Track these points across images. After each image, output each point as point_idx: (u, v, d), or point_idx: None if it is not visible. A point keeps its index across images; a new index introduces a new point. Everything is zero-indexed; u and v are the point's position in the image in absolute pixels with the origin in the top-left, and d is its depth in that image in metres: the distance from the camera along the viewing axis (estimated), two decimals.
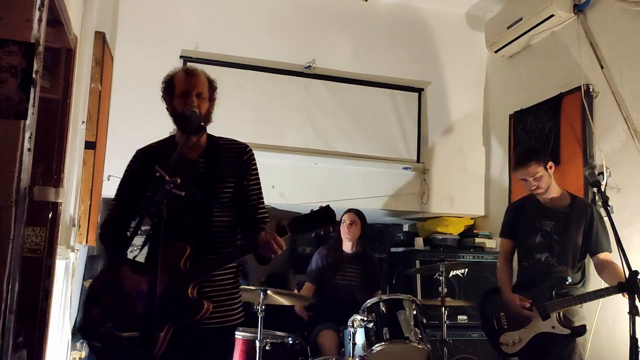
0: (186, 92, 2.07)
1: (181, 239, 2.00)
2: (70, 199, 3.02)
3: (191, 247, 1.99)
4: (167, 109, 2.15)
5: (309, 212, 1.96)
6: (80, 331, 2.15)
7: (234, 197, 2.14)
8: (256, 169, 2.22)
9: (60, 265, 2.78)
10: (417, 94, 4.77)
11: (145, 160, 2.12)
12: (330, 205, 1.93)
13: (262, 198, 2.22)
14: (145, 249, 2.01)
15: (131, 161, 2.20)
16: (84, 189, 3.31)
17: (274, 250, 1.90)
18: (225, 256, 2.04)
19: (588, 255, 2.98)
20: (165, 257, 1.80)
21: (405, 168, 4.64)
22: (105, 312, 1.96)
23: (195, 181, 2.08)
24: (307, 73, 4.49)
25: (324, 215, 1.92)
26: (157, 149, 2.18)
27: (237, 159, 2.17)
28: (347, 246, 3.84)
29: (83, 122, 3.26)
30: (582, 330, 2.85)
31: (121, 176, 2.20)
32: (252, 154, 2.21)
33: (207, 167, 2.12)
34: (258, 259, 2.08)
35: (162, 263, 1.70)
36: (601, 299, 3.03)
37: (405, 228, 5.38)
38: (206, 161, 2.13)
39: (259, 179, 2.22)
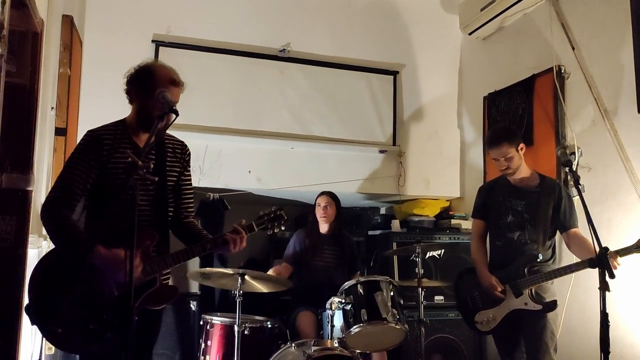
0: (175, 81, 2.12)
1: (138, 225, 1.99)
2: (41, 187, 2.96)
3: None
4: (141, 99, 2.12)
5: (271, 210, 2.28)
6: (37, 316, 1.94)
7: (173, 189, 2.24)
8: (190, 169, 2.35)
9: (32, 254, 2.72)
10: (392, 77, 4.77)
11: (97, 142, 2.11)
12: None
13: (192, 197, 2.36)
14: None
15: (82, 141, 2.16)
16: (55, 176, 3.22)
17: (239, 247, 2.13)
18: (197, 248, 2.13)
19: (558, 233, 3.05)
20: (138, 242, 1.87)
21: (381, 151, 4.65)
22: (68, 295, 1.91)
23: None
24: (282, 57, 4.44)
25: (280, 217, 2.31)
26: (114, 132, 2.16)
27: (181, 154, 2.29)
28: (324, 228, 3.86)
29: (52, 107, 3.19)
30: (553, 305, 2.92)
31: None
32: (190, 153, 2.33)
33: (158, 157, 2.18)
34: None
35: (136, 248, 1.73)
36: (573, 276, 3.11)
37: (382, 211, 5.41)
38: (157, 150, 2.18)
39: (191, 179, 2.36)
